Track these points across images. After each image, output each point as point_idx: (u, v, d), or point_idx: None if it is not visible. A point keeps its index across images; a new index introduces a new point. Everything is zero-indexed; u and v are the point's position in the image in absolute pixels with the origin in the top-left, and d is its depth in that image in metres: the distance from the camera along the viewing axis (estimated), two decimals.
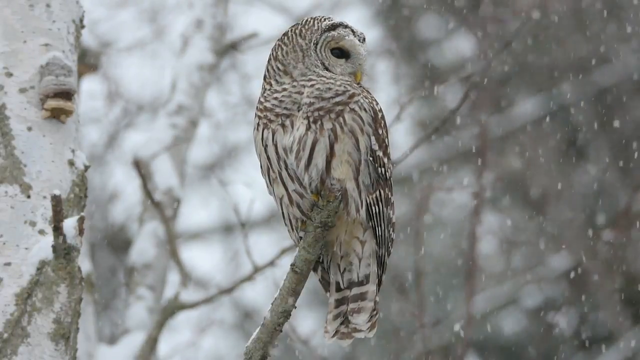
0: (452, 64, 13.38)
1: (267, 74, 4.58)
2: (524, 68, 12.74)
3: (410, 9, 13.52)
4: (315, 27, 4.59)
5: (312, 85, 4.47)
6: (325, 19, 4.61)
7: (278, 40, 4.61)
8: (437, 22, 13.80)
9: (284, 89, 4.50)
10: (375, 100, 4.55)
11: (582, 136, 12.93)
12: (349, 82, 4.51)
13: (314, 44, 4.56)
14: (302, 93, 4.47)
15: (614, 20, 12.67)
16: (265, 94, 4.53)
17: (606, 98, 12.86)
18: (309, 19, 4.61)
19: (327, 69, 4.56)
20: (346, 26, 4.61)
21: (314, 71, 4.53)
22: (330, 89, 4.47)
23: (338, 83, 4.48)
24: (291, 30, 4.59)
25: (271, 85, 4.54)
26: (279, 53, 4.57)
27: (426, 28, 13.96)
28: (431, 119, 12.97)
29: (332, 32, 4.60)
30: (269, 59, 4.59)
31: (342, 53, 4.61)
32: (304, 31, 4.58)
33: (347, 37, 4.61)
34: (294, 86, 4.49)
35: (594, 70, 12.84)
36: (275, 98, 4.49)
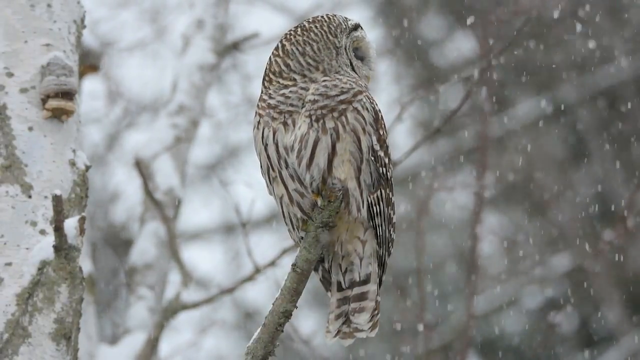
0: (452, 64, 13.37)
1: (283, 69, 4.46)
2: (525, 68, 12.73)
3: (411, 9, 13.51)
4: (344, 26, 4.51)
5: (320, 82, 4.43)
6: (347, 19, 4.55)
7: (298, 35, 4.48)
8: (438, 22, 13.80)
9: (294, 85, 4.44)
10: (375, 100, 4.51)
11: (583, 136, 12.92)
12: (354, 80, 4.46)
13: (344, 42, 4.51)
14: (309, 89, 4.44)
15: (615, 19, 12.66)
16: (270, 91, 4.46)
17: (608, 98, 12.85)
18: (331, 17, 4.52)
19: (353, 69, 4.53)
20: (361, 27, 4.58)
21: (346, 70, 4.49)
22: (336, 86, 4.41)
23: (344, 80, 4.44)
24: (315, 26, 4.49)
25: (295, 80, 4.44)
26: (307, 49, 4.45)
27: (427, 28, 13.95)
28: (432, 119, 12.97)
29: (356, 33, 4.56)
30: (291, 54, 4.45)
31: (357, 54, 4.58)
32: (332, 28, 4.49)
33: (366, 39, 4.57)
34: (305, 81, 4.45)
35: (595, 70, 12.84)
36: (283, 94, 4.45)
